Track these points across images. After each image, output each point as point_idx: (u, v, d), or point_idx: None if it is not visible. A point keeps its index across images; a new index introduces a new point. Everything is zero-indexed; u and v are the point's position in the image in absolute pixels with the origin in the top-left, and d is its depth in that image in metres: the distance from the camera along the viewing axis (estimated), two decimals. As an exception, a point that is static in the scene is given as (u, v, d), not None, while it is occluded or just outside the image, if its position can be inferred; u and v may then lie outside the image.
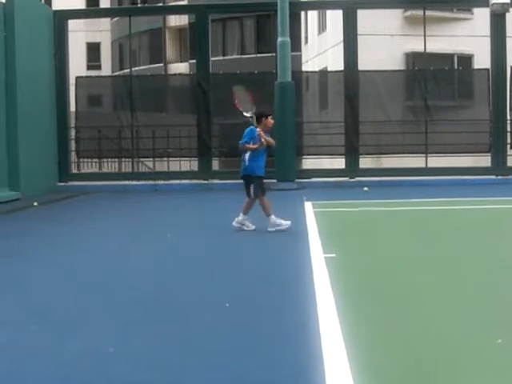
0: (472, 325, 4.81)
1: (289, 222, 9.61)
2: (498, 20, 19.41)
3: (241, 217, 9.86)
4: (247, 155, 9.77)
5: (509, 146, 19.67)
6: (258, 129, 9.69)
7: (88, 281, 6.76)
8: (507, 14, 19.32)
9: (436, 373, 3.85)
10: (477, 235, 9.48)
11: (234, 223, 9.88)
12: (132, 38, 26.34)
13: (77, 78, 20.55)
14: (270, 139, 9.83)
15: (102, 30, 49.22)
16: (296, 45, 29.54)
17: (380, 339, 4.50)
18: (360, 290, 5.99)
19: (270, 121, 9.88)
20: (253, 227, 9.79)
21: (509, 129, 19.67)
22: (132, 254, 8.36)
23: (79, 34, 45.73)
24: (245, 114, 9.87)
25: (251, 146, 9.68)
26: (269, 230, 9.57)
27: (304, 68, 34.63)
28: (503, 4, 19.10)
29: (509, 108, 19.58)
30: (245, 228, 9.80)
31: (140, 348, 4.44)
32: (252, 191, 9.67)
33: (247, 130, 9.82)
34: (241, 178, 10.02)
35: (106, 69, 49.07)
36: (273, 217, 9.62)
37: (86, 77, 24.26)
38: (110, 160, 23.61)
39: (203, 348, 4.40)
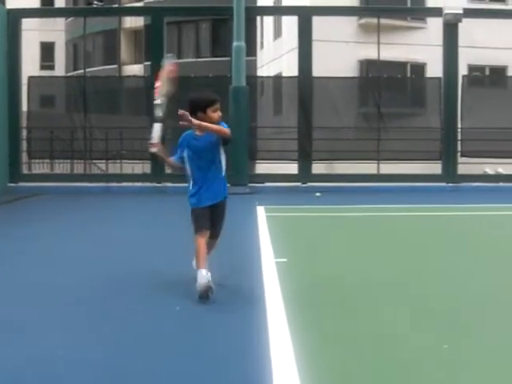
0: (419, 329, 4.87)
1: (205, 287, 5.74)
2: (450, 30, 19.66)
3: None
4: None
5: (459, 154, 19.92)
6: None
7: (29, 282, 6.71)
8: (459, 24, 19.59)
9: (382, 377, 3.90)
10: (425, 240, 9.59)
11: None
12: (86, 38, 26.14)
13: (29, 77, 20.34)
14: (210, 125, 6.07)
15: (56, 30, 48.70)
16: (251, 49, 29.58)
17: (329, 343, 4.54)
18: (310, 294, 6.03)
19: (214, 114, 6.11)
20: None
21: (459, 137, 19.92)
22: (77, 258, 8.30)
23: (33, 33, 45.20)
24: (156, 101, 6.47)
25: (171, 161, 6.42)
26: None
27: (259, 73, 34.68)
28: (456, 14, 19.37)
29: (460, 116, 19.84)
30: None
31: (88, 352, 4.42)
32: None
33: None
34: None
35: (60, 69, 48.57)
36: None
37: (39, 77, 24.02)
38: (62, 161, 23.39)
39: (150, 352, 4.40)
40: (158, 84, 6.51)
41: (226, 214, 6.29)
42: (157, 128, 6.36)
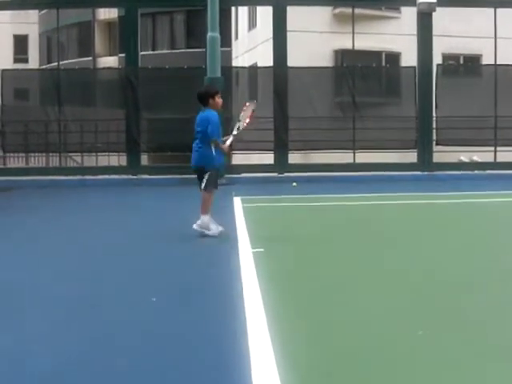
0: (395, 317, 4.90)
1: (219, 230, 8.62)
2: (424, 19, 19.74)
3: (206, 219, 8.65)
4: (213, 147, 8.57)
5: (434, 143, 20.02)
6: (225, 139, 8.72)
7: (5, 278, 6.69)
8: (433, 14, 19.67)
9: (358, 365, 3.91)
10: (400, 227, 9.65)
11: (194, 226, 8.59)
12: (60, 30, 25.93)
13: (3, 70, 20.19)
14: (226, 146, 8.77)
15: (29, 23, 48.27)
16: (226, 40, 29.52)
17: (305, 333, 4.55)
18: (287, 284, 6.04)
19: (219, 100, 8.70)
20: (220, 228, 8.71)
21: (434, 126, 20.02)
22: (54, 252, 8.26)
23: (6, 26, 44.86)
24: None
25: (225, 145, 8.72)
26: (194, 226, 8.58)
27: (234, 63, 34.63)
28: (430, 3, 19.44)
29: (434, 105, 19.93)
30: (209, 233, 8.62)
31: (65, 345, 4.41)
32: (204, 184, 8.53)
33: (214, 117, 8.58)
34: (194, 171, 8.78)
35: (34, 62, 48.19)
36: (208, 217, 8.58)
37: (13, 70, 23.86)
38: (37, 154, 23.26)
39: (127, 345, 4.39)
40: (247, 120, 9.06)
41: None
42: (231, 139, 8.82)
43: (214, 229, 8.57)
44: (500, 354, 4.08)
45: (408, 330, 4.53)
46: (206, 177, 8.49)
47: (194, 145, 8.65)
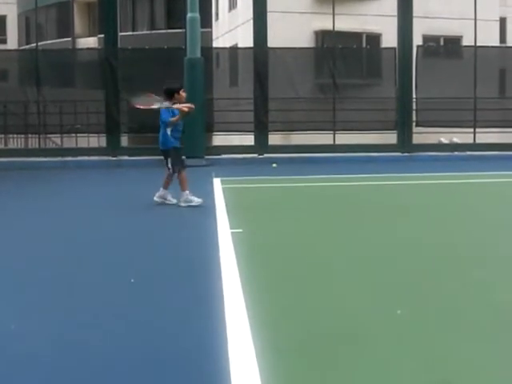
0: (373, 296, 4.93)
1: (200, 200, 9.61)
2: (405, 0, 19.73)
3: (162, 191, 9.91)
4: (169, 130, 9.85)
5: (414, 124, 20.06)
6: (176, 105, 9.79)
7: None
8: (414, -6, 19.67)
9: (336, 344, 3.95)
10: (379, 210, 9.68)
11: (155, 198, 9.87)
12: (39, 11, 25.74)
13: (-19, 51, 20.01)
14: (187, 105, 9.95)
15: (7, 3, 47.79)
16: (207, 21, 29.40)
17: (283, 313, 4.58)
18: (265, 265, 6.07)
19: (183, 94, 9.94)
20: (174, 201, 9.83)
21: (414, 107, 20.05)
22: (35, 231, 8.25)
23: (-17, 7, 44.48)
24: (154, 107, 9.84)
25: (175, 118, 9.82)
26: (180, 204, 9.63)
27: (214, 44, 34.52)
28: (410, -16, 19.43)
29: (414, 86, 19.96)
30: (167, 202, 9.84)
31: (43, 326, 4.41)
32: (170, 165, 9.74)
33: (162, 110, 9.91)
34: (161, 152, 10.06)
35: (12, 43, 47.80)
36: (187, 192, 9.62)
37: (-9, 50, 23.64)
38: (16, 136, 23.11)
39: (107, 326, 4.40)
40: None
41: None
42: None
43: (196, 199, 9.56)
44: (477, 331, 4.13)
45: (386, 309, 4.56)
46: (170, 158, 9.77)
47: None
